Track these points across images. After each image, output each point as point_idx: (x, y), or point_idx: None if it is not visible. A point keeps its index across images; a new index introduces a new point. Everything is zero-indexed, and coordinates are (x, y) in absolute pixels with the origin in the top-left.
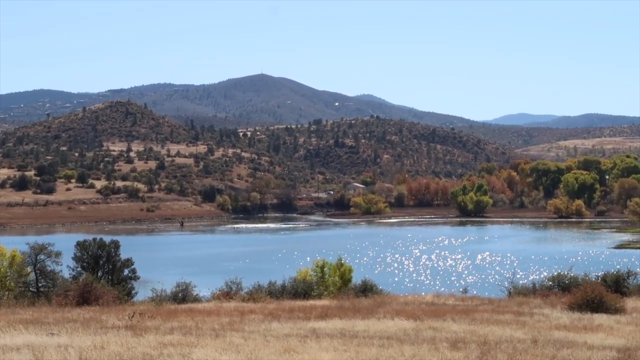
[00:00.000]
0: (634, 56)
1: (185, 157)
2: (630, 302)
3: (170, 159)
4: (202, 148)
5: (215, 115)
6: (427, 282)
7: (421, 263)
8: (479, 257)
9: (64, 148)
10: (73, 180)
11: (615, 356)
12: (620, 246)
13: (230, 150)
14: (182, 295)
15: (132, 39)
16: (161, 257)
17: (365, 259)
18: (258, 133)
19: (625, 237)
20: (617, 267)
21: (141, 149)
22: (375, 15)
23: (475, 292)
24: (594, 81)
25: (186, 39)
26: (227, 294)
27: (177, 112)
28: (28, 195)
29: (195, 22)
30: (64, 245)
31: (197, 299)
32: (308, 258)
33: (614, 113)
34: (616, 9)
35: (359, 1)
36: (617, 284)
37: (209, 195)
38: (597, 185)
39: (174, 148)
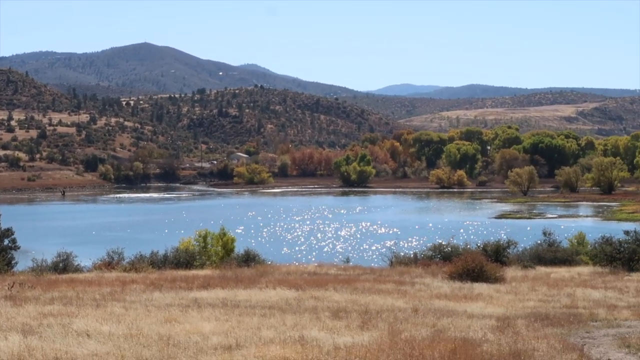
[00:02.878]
0: (514, 27)
1: (67, 126)
2: (509, 272)
3: (52, 127)
4: (84, 117)
5: (98, 84)
6: (310, 251)
7: (304, 233)
8: (362, 226)
9: None
10: None
11: (494, 324)
12: (500, 216)
13: (113, 120)
14: (63, 266)
15: (12, 6)
16: (42, 227)
17: (248, 228)
18: (141, 102)
19: (506, 207)
20: (498, 236)
21: (22, 117)
22: None
23: (357, 262)
24: (477, 52)
25: (68, 7)
26: (109, 264)
27: (59, 81)
28: None
29: None
30: None
31: (78, 269)
32: (192, 226)
33: (496, 84)
34: None
35: None
36: (497, 254)
37: (91, 164)
38: (479, 156)
39: (55, 117)
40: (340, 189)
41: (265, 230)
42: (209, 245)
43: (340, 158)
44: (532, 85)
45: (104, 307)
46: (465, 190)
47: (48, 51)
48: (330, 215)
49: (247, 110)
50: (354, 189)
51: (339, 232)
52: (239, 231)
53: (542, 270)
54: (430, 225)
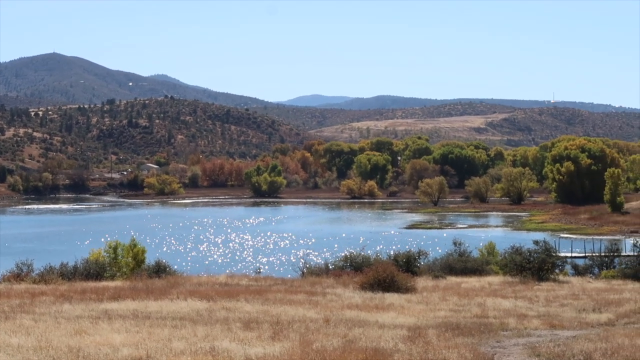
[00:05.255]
0: (423, 38)
1: None
2: (420, 282)
3: None
4: None
5: (6, 95)
6: (221, 262)
7: (215, 243)
8: (273, 237)
9: None
10: None
11: (405, 334)
12: (411, 226)
13: (22, 130)
14: None
15: None
16: None
17: (158, 239)
18: (50, 113)
19: (417, 217)
20: (409, 246)
21: None
22: None
23: (268, 273)
24: (386, 63)
25: None
26: (18, 275)
27: None
28: None
29: None
30: None
31: None
32: (105, 236)
33: (406, 95)
34: None
35: None
36: (408, 264)
37: None
38: (389, 167)
39: None
40: (251, 200)
41: (175, 240)
42: (119, 257)
43: (251, 169)
44: (442, 96)
45: (12, 319)
46: (376, 200)
47: None
48: (241, 226)
49: (157, 121)
50: (265, 200)
51: (250, 243)
52: (149, 242)
53: (452, 280)
54: (342, 235)
